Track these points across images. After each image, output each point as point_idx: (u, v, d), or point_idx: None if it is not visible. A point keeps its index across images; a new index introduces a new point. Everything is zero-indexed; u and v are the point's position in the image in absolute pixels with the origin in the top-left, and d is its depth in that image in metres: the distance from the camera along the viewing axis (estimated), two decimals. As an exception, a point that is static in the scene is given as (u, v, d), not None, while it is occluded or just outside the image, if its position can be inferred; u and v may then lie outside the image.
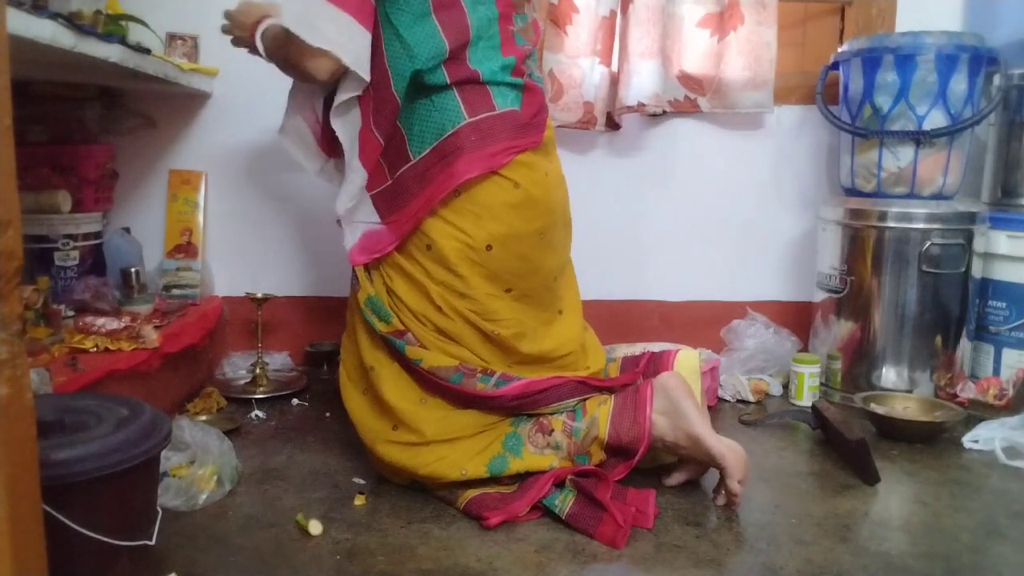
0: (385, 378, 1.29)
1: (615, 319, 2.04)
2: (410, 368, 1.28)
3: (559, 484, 1.23)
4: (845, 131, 1.87)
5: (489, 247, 1.26)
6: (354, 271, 1.34)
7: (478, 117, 1.27)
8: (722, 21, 1.94)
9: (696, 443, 1.25)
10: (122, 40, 1.41)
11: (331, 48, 1.20)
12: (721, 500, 1.25)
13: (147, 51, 1.50)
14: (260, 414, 1.67)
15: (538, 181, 1.30)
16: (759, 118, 2.03)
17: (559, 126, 1.91)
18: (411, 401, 1.28)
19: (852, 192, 1.91)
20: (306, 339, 2.02)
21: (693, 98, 1.98)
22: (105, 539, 0.92)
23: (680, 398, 1.27)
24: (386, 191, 1.31)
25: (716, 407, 1.79)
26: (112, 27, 1.45)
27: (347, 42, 1.21)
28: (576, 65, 1.92)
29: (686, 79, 1.97)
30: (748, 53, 1.92)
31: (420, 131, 1.28)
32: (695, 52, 1.96)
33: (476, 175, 1.25)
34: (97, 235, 1.74)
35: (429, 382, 1.27)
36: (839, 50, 1.91)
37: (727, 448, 1.24)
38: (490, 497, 1.21)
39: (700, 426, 1.25)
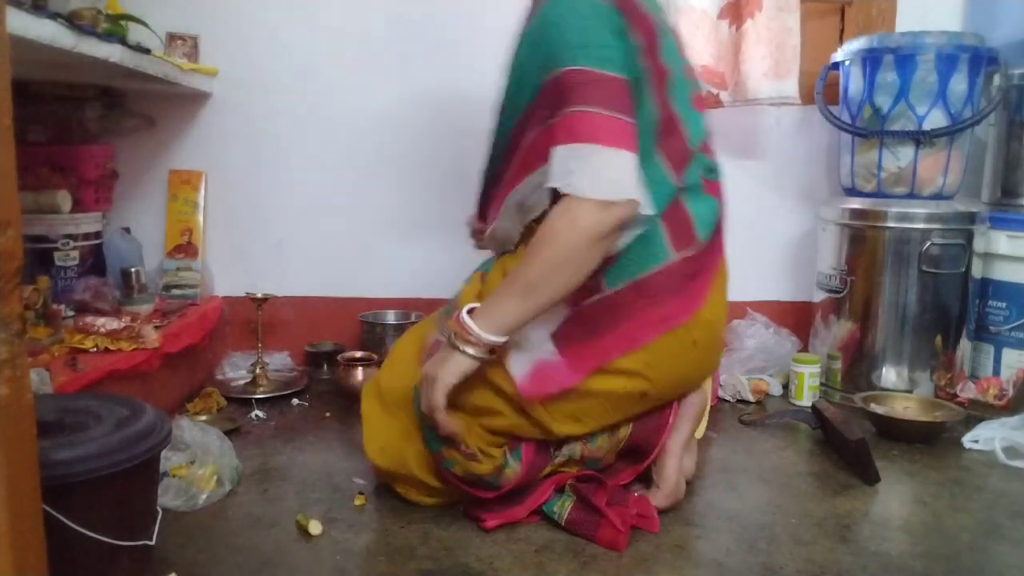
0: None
1: (615, 319, 2.04)
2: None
3: (558, 489, 1.23)
4: (845, 131, 1.87)
5: (644, 394, 1.18)
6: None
7: (684, 255, 1.14)
8: (738, 8, 1.86)
9: (661, 453, 1.25)
10: (122, 40, 1.41)
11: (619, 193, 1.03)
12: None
13: (147, 51, 1.50)
14: (260, 414, 1.66)
15: (714, 326, 1.21)
16: (757, 116, 2.02)
17: None
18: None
19: (852, 192, 1.91)
20: (306, 339, 2.01)
21: (716, 93, 1.91)
22: (105, 539, 0.92)
23: (688, 419, 1.27)
24: (567, 321, 1.14)
25: (716, 407, 1.79)
26: (112, 27, 1.44)
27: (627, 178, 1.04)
28: None
29: (708, 74, 1.89)
30: (768, 41, 1.83)
31: (622, 262, 1.12)
32: (712, 44, 1.89)
33: (683, 322, 1.14)
34: (97, 235, 1.74)
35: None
36: (839, 50, 1.91)
37: (675, 480, 1.24)
38: (490, 500, 1.21)
39: (675, 442, 1.25)
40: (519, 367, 1.12)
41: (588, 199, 1.01)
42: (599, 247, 1.05)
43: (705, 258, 1.18)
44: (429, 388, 1.09)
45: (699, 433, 1.33)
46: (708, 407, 1.36)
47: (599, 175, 1.01)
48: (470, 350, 1.07)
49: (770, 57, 1.85)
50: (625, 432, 1.24)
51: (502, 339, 1.07)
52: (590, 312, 1.13)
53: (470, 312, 1.08)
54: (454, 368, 1.08)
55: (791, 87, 1.86)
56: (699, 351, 1.18)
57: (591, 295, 1.12)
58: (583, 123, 1.02)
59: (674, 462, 1.24)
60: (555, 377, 1.12)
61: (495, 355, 1.10)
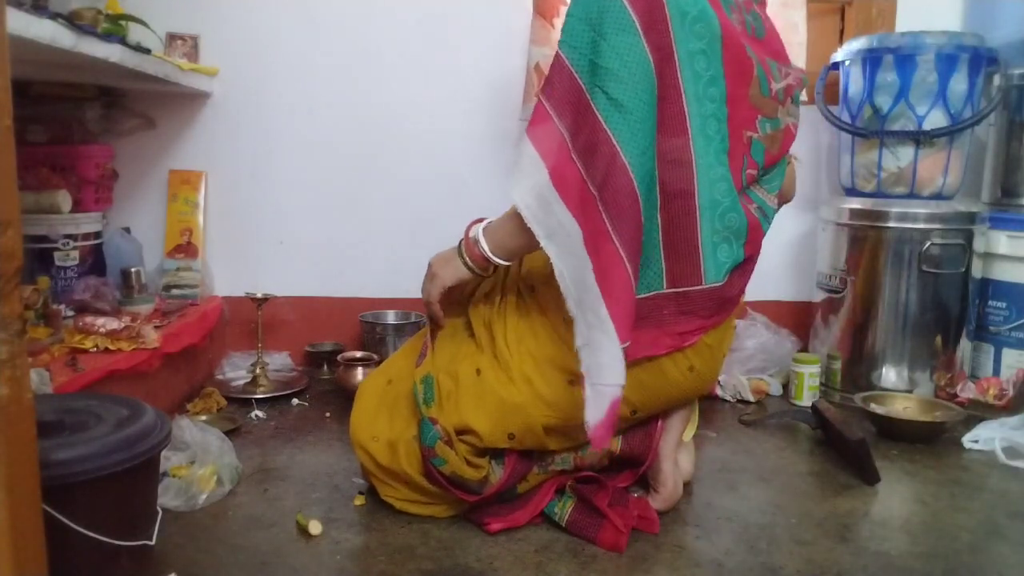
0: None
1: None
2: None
3: (559, 490, 1.23)
4: (845, 131, 1.87)
5: (634, 412, 1.19)
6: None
7: (680, 290, 1.11)
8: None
9: (655, 458, 1.24)
10: (122, 40, 1.41)
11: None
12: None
13: (147, 51, 1.50)
14: (260, 414, 1.66)
15: (714, 358, 1.19)
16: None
17: None
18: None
19: (852, 192, 1.91)
20: (306, 339, 2.01)
21: None
22: (105, 539, 0.92)
23: (678, 420, 1.27)
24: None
25: (716, 407, 1.79)
26: (112, 27, 1.44)
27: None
28: None
29: None
30: None
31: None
32: None
33: (661, 353, 1.13)
34: (97, 235, 1.74)
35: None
36: (839, 50, 1.91)
37: (672, 483, 1.23)
38: (492, 504, 1.21)
39: (667, 446, 1.25)
40: (596, 409, 1.03)
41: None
42: None
43: (708, 297, 1.12)
44: (429, 282, 1.19)
45: (687, 435, 1.32)
46: (697, 408, 1.35)
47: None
48: (470, 261, 1.15)
49: None
50: (616, 444, 1.24)
51: (502, 262, 1.14)
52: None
53: (485, 226, 1.14)
54: (453, 272, 1.17)
55: None
56: (695, 376, 1.18)
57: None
58: None
59: (668, 466, 1.24)
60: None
61: (490, 273, 1.18)
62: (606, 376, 1.01)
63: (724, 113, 1.08)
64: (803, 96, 1.84)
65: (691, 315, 1.12)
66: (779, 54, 1.18)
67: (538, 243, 1.05)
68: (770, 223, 1.17)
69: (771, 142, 1.13)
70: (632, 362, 1.05)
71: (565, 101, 1.04)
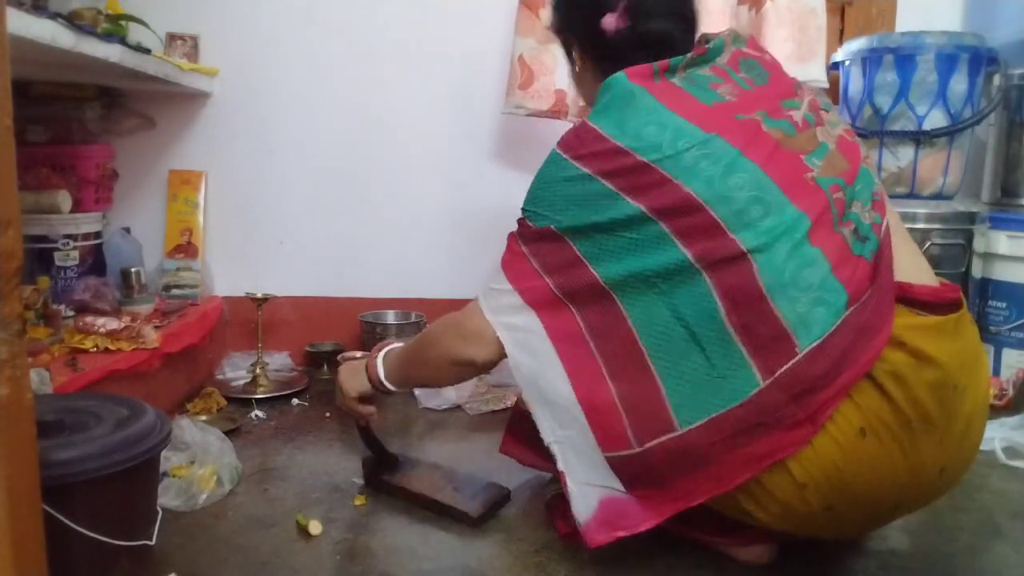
0: None
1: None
2: None
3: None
4: (845, 131, 1.87)
5: (829, 507, 0.94)
6: None
7: (780, 373, 0.89)
8: None
9: None
10: (122, 40, 1.41)
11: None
12: None
13: (147, 51, 1.51)
14: (260, 414, 1.66)
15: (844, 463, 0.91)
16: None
17: (528, 114, 1.86)
18: None
19: (852, 192, 1.91)
20: (306, 339, 2.01)
21: None
22: (105, 539, 0.92)
23: None
24: (631, 460, 0.97)
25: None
26: (112, 27, 1.45)
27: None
28: (547, 51, 1.84)
29: None
30: (791, 23, 1.74)
31: (691, 394, 0.93)
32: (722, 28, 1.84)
33: (783, 456, 0.91)
34: (97, 235, 1.74)
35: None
36: (839, 50, 1.91)
37: None
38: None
39: None
40: (583, 505, 1.01)
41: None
42: (454, 370, 1.12)
43: (819, 356, 0.89)
44: (338, 392, 1.28)
45: None
46: None
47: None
48: (371, 378, 1.22)
49: (792, 40, 1.76)
50: None
51: (394, 389, 1.21)
52: (659, 454, 0.95)
53: (387, 351, 1.22)
54: (357, 385, 1.24)
55: (818, 70, 1.78)
56: (809, 494, 0.93)
57: (658, 435, 0.94)
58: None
59: None
60: (628, 517, 1.00)
61: (392, 393, 1.23)
62: (591, 476, 1.01)
63: (763, 181, 0.94)
64: (825, 80, 1.78)
65: (812, 391, 0.89)
66: (789, 83, 1.10)
67: (420, 377, 1.19)
68: (871, 239, 0.95)
69: (832, 168, 0.99)
70: (727, 483, 0.93)
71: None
